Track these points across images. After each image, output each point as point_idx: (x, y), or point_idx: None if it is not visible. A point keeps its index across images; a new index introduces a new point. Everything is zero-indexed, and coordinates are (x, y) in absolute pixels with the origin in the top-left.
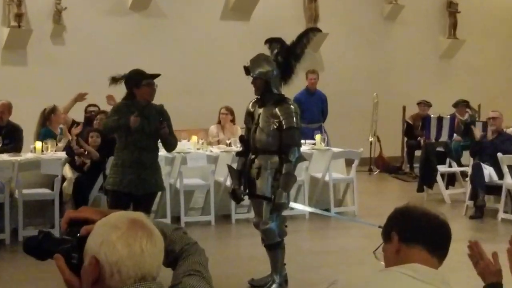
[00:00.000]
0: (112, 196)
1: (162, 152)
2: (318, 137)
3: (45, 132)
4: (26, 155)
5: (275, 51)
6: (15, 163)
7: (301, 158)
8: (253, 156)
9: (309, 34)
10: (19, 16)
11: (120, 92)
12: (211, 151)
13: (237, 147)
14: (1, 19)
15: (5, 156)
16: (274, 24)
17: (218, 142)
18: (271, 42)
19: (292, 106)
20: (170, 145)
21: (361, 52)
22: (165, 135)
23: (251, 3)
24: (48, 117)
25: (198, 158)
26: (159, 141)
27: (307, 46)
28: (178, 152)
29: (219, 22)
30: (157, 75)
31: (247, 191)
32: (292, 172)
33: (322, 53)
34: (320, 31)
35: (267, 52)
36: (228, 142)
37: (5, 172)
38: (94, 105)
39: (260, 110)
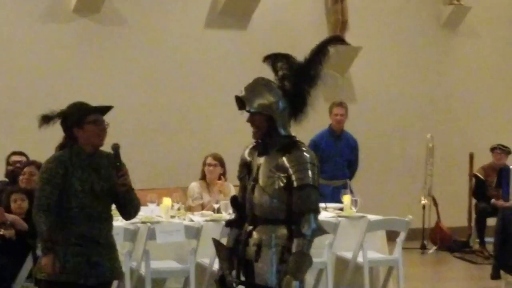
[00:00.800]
0: None
1: (119, 222)
2: (346, 198)
3: None
4: None
5: (281, 73)
6: None
7: (321, 230)
8: (250, 228)
9: (327, 47)
10: None
11: (57, 135)
12: (192, 220)
13: (229, 214)
14: None
15: None
16: (283, 34)
17: (202, 207)
18: (274, 59)
19: (306, 154)
20: (132, 208)
21: (408, 74)
22: (125, 190)
23: (249, 4)
24: None
25: (172, 231)
26: (114, 205)
27: (325, 64)
28: (143, 222)
29: (204, 31)
30: (109, 108)
31: (242, 278)
32: (307, 251)
33: (352, 76)
34: (345, 42)
35: (269, 74)
36: (216, 206)
37: None
38: (20, 153)
39: (261, 160)
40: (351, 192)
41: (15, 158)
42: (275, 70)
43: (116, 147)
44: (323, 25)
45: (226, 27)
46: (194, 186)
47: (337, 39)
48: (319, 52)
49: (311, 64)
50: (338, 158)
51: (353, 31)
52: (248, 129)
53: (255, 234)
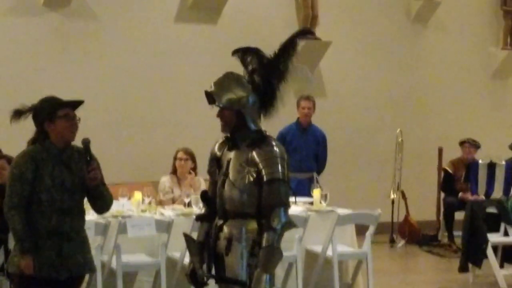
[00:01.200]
0: (19, 283)
1: (90, 216)
2: (316, 192)
3: None
4: None
5: (250, 67)
6: None
7: (291, 224)
8: (220, 222)
9: (296, 40)
10: None
11: (29, 130)
12: (162, 214)
13: (199, 208)
14: None
15: None
16: (253, 28)
17: (173, 201)
18: (243, 53)
19: (276, 149)
20: (103, 202)
21: (378, 69)
22: (96, 184)
23: None
24: None
25: (143, 225)
26: (86, 199)
27: (295, 59)
28: (114, 216)
29: (174, 26)
30: (79, 102)
31: (213, 272)
32: (277, 245)
33: (322, 71)
34: (314, 35)
35: (240, 69)
36: (186, 200)
37: None
38: None
39: (231, 155)
40: (318, 185)
41: None
42: (245, 65)
43: (86, 142)
44: (293, 19)
45: (196, 22)
46: (165, 180)
47: (305, 32)
48: (288, 46)
49: (281, 58)
50: (305, 151)
51: (323, 26)
52: (219, 124)
53: (225, 228)
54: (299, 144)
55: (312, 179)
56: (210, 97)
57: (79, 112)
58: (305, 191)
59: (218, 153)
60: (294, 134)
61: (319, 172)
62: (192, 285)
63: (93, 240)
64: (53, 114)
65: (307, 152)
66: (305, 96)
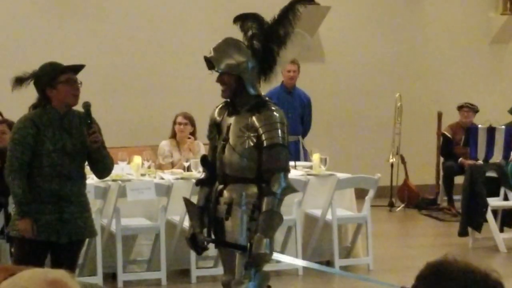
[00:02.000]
0: (19, 246)
1: (90, 180)
2: (316, 156)
3: None
4: None
5: (250, 32)
6: None
7: (290, 188)
8: (220, 187)
9: (297, 6)
10: None
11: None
12: (162, 178)
13: (199, 172)
14: None
15: None
16: None
17: (172, 165)
18: (243, 20)
19: (276, 114)
20: (104, 166)
21: (377, 35)
22: (97, 147)
23: None
24: None
25: (143, 189)
26: (86, 164)
27: (295, 24)
28: (114, 180)
29: None
30: (81, 67)
31: (213, 236)
32: (277, 209)
33: (321, 36)
34: (314, 2)
35: (238, 35)
36: (186, 164)
37: None
38: None
39: (231, 120)
40: (303, 149)
41: None
42: (245, 30)
43: (87, 105)
44: None
45: None
46: (164, 144)
47: (305, 0)
48: (289, 12)
49: (281, 24)
50: (291, 114)
51: None
52: (218, 89)
53: (225, 193)
54: (285, 107)
55: (298, 142)
56: (209, 63)
57: (79, 76)
58: (292, 155)
59: (218, 118)
60: (279, 97)
61: (304, 135)
62: (192, 249)
63: (93, 203)
64: (54, 79)
65: (293, 115)
66: (290, 59)
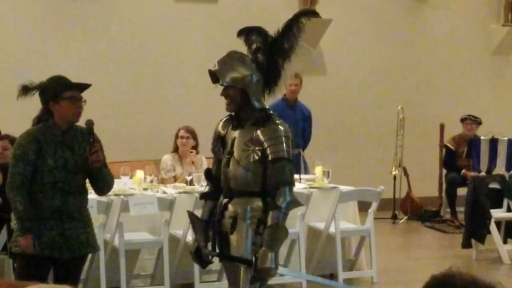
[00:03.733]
0: (21, 262)
1: (92, 194)
2: (318, 169)
3: None
4: None
5: (254, 46)
6: None
7: (296, 202)
8: (225, 200)
9: (301, 20)
10: None
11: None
12: (164, 192)
13: (201, 186)
14: None
15: None
16: (254, 8)
17: (175, 179)
18: (247, 33)
19: (281, 128)
20: (105, 184)
21: (379, 47)
22: (98, 166)
23: None
24: None
25: (146, 203)
26: (88, 180)
27: (299, 37)
28: (116, 195)
29: (174, 5)
30: (87, 86)
31: (217, 250)
32: (282, 223)
33: (323, 48)
34: (318, 15)
35: (242, 48)
36: (188, 178)
37: None
38: None
39: (235, 134)
40: (304, 162)
41: None
42: (249, 44)
43: (90, 124)
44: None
45: (197, 1)
46: (167, 158)
47: (310, 12)
48: (293, 25)
49: (285, 37)
50: (292, 128)
51: (323, 4)
52: (221, 102)
53: (230, 207)
54: (286, 120)
55: (299, 156)
56: (214, 76)
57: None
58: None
59: (222, 132)
60: (280, 110)
61: (304, 148)
62: (197, 263)
63: (96, 218)
64: (59, 94)
65: (295, 128)
66: (294, 74)
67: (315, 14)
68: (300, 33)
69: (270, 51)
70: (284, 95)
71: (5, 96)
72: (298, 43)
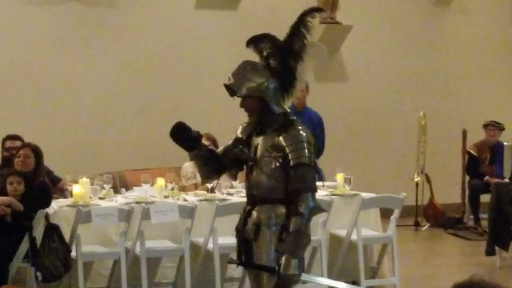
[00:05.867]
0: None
1: (115, 203)
2: (340, 176)
3: None
4: None
5: (265, 52)
6: None
7: (318, 208)
8: (249, 207)
9: (306, 19)
10: None
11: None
12: (185, 200)
13: (222, 193)
14: None
15: None
16: (273, 13)
17: (195, 187)
18: (256, 42)
19: (303, 133)
20: None
21: (400, 52)
22: None
23: None
24: None
25: (167, 211)
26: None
27: (308, 37)
28: (137, 202)
29: (194, 12)
30: None
31: (241, 258)
32: (305, 230)
33: (343, 55)
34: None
35: (256, 57)
36: (209, 186)
37: None
38: (15, 137)
39: (258, 140)
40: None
41: (10, 144)
42: (259, 52)
43: None
44: (314, 4)
45: (217, 8)
46: (187, 166)
47: (313, 10)
48: (300, 26)
49: (294, 39)
50: None
51: (344, 10)
52: (239, 108)
53: (253, 214)
54: None
55: None
56: (230, 89)
57: (101, 99)
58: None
59: (241, 135)
60: None
61: (318, 155)
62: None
63: (117, 226)
64: None
65: None
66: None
67: (320, 10)
68: (308, 31)
69: (281, 54)
70: (292, 102)
71: (26, 105)
72: (308, 42)
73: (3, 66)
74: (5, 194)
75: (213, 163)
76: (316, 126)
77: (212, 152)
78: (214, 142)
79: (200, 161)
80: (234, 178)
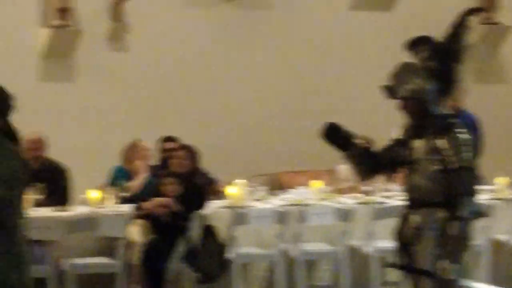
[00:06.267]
0: None
1: (271, 205)
2: (501, 180)
3: (116, 173)
4: (76, 210)
5: (423, 55)
6: (60, 222)
7: (479, 213)
8: (407, 211)
9: (465, 19)
10: (63, 12)
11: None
12: (342, 203)
13: (380, 197)
14: (37, 16)
15: (46, 211)
16: (428, 14)
17: (351, 189)
18: (416, 45)
19: (461, 136)
20: None
21: None
22: None
23: None
24: (127, 154)
25: (323, 213)
26: None
27: (467, 37)
28: (293, 205)
29: (347, 13)
30: None
31: (400, 261)
32: (464, 234)
33: (504, 56)
34: (482, 10)
35: (412, 59)
36: (366, 189)
37: (47, 234)
38: (172, 139)
39: (416, 143)
40: None
41: (168, 145)
42: (418, 54)
43: None
44: (471, 4)
45: (370, 9)
46: (343, 168)
47: (474, 10)
48: (458, 26)
49: (452, 39)
50: None
51: (504, 9)
52: (394, 110)
53: (412, 217)
54: None
55: None
56: (388, 91)
57: (255, 101)
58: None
59: (399, 137)
60: None
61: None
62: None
63: (272, 228)
64: None
65: None
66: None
67: (480, 11)
68: (466, 32)
69: (440, 56)
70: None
71: (184, 106)
72: (468, 43)
73: (157, 68)
74: (159, 194)
75: (369, 163)
76: (473, 129)
77: (368, 151)
78: (370, 142)
79: (354, 160)
80: (390, 180)
